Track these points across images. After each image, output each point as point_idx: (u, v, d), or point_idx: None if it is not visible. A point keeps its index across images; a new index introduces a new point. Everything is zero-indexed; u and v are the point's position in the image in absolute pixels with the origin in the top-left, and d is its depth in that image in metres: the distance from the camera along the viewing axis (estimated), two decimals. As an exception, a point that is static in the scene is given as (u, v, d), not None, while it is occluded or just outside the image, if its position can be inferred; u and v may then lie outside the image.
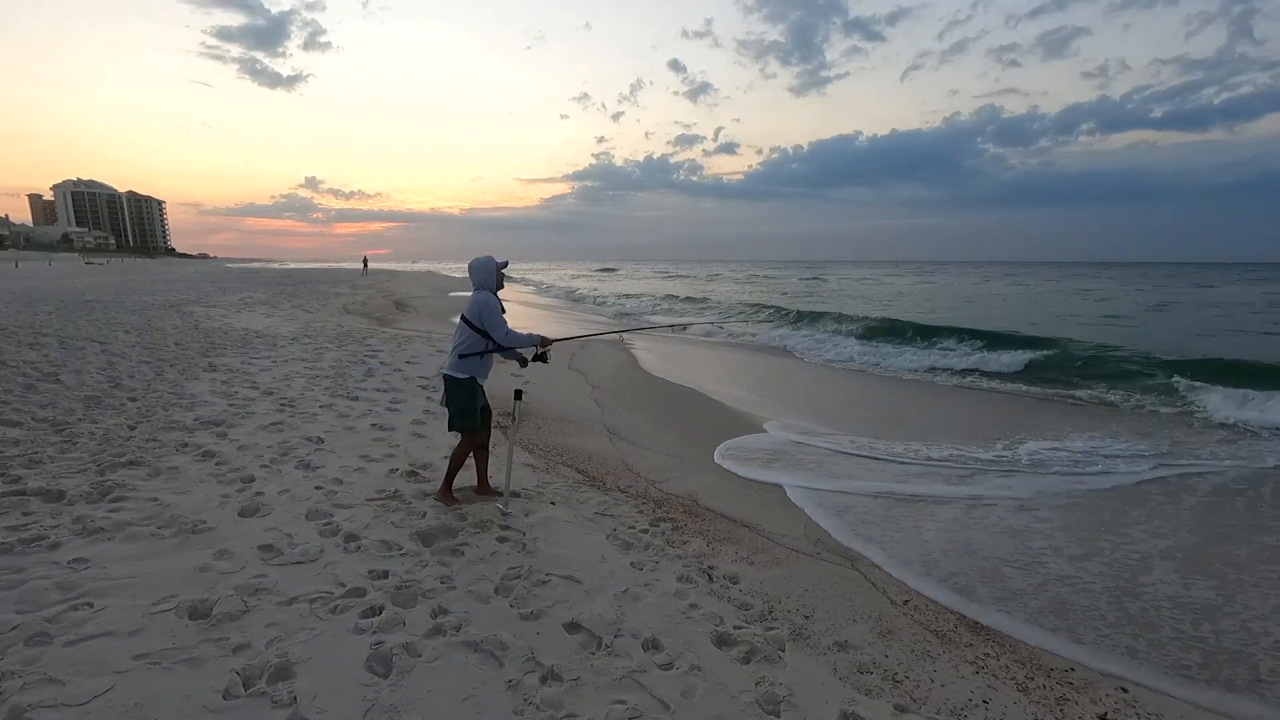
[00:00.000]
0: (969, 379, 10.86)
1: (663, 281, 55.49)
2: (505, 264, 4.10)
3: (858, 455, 6.21)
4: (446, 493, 4.24)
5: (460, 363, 3.99)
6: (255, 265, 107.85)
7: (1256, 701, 2.83)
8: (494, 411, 4.69)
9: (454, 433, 4.21)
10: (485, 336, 3.96)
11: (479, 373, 4.06)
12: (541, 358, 4.07)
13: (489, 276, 4.01)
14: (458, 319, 4.08)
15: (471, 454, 4.32)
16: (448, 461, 4.32)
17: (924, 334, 15.39)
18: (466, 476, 4.57)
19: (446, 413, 4.12)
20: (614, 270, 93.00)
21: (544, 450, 5.91)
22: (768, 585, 3.60)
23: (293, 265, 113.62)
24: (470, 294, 4.06)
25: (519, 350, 4.12)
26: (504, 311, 4.03)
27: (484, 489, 4.43)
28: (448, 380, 4.04)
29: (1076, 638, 3.27)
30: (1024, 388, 10.12)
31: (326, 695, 2.36)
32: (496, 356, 4.12)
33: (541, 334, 4.05)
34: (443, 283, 40.04)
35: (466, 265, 4.13)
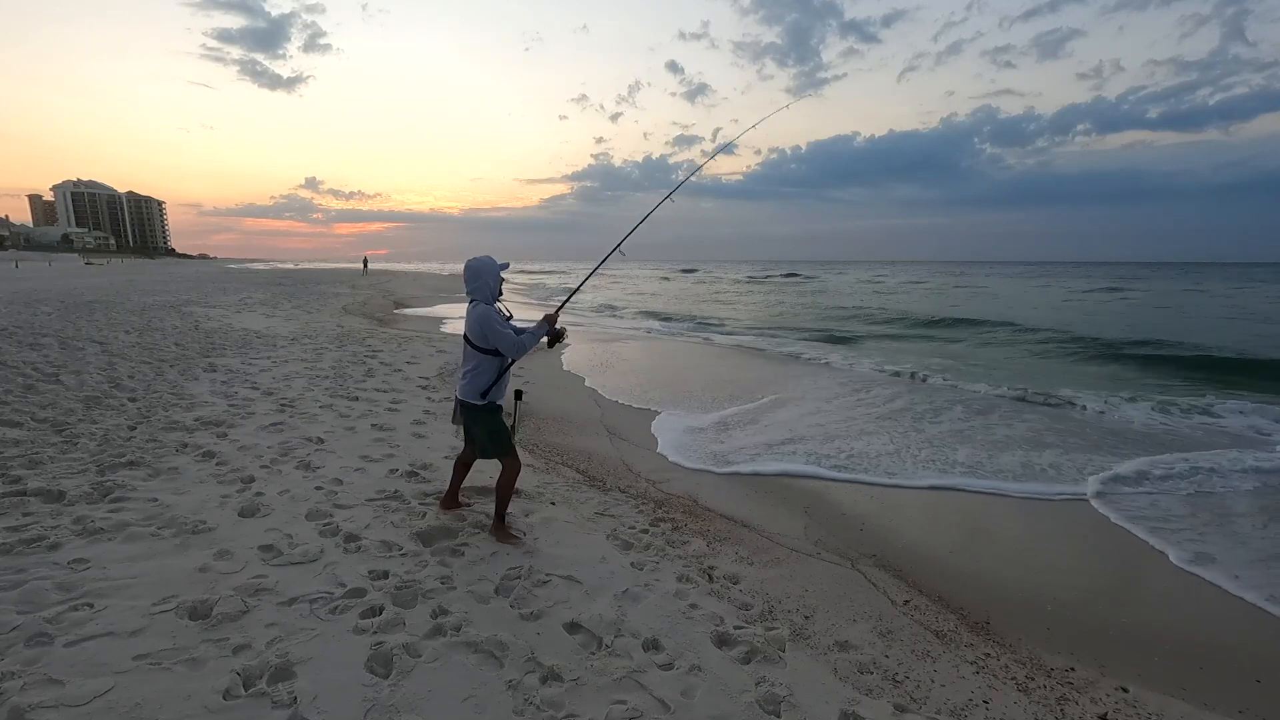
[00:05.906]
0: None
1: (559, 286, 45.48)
2: (505, 266, 3.63)
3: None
4: (500, 527, 3.81)
5: (476, 389, 3.59)
6: (258, 266, 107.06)
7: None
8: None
9: (491, 459, 3.80)
10: (497, 354, 3.57)
11: (497, 395, 3.67)
12: (558, 337, 3.70)
13: (489, 286, 3.55)
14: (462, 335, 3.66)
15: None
16: (453, 468, 4.08)
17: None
18: (472, 476, 4.53)
19: (449, 417, 3.93)
20: (563, 274, 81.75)
21: (544, 450, 5.91)
22: (768, 585, 3.60)
23: (290, 264, 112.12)
24: (467, 306, 3.64)
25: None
26: (510, 318, 3.63)
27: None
28: (466, 407, 3.66)
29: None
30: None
31: (326, 695, 2.35)
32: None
33: (546, 319, 3.64)
34: (444, 283, 40.02)
35: (463, 266, 3.61)
